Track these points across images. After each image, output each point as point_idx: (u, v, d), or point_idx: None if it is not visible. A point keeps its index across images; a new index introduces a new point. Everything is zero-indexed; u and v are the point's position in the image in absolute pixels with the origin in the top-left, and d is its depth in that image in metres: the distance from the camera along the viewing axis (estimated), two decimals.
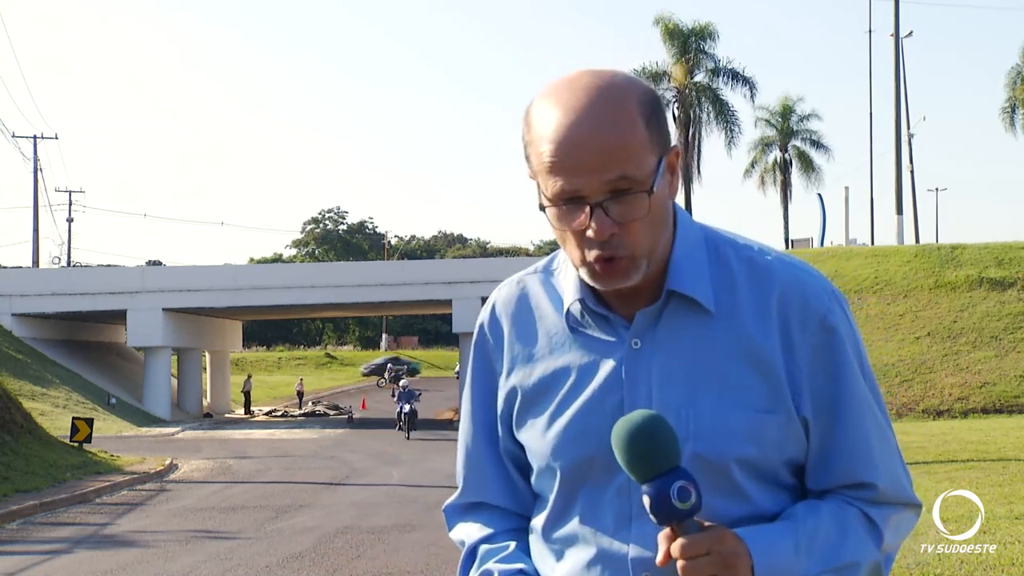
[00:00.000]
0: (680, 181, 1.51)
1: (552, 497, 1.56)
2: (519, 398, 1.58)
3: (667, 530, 1.38)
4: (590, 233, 1.41)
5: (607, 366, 1.49)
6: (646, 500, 1.36)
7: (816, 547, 1.42)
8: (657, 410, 1.42)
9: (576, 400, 1.51)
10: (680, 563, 1.35)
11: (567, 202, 1.41)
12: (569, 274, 1.55)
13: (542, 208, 1.47)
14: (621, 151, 1.39)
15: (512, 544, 1.61)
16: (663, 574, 1.43)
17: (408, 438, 27.80)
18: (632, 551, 1.47)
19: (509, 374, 1.60)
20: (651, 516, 1.37)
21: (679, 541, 1.35)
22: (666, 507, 1.34)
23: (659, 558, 1.38)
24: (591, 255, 1.43)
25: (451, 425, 39.03)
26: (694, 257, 1.50)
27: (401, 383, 30.37)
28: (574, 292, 1.52)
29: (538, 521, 1.60)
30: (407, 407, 28.96)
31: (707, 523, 1.38)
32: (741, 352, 1.45)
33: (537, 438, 1.56)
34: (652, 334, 1.48)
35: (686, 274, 1.48)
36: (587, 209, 1.40)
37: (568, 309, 1.54)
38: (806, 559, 1.41)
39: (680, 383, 1.45)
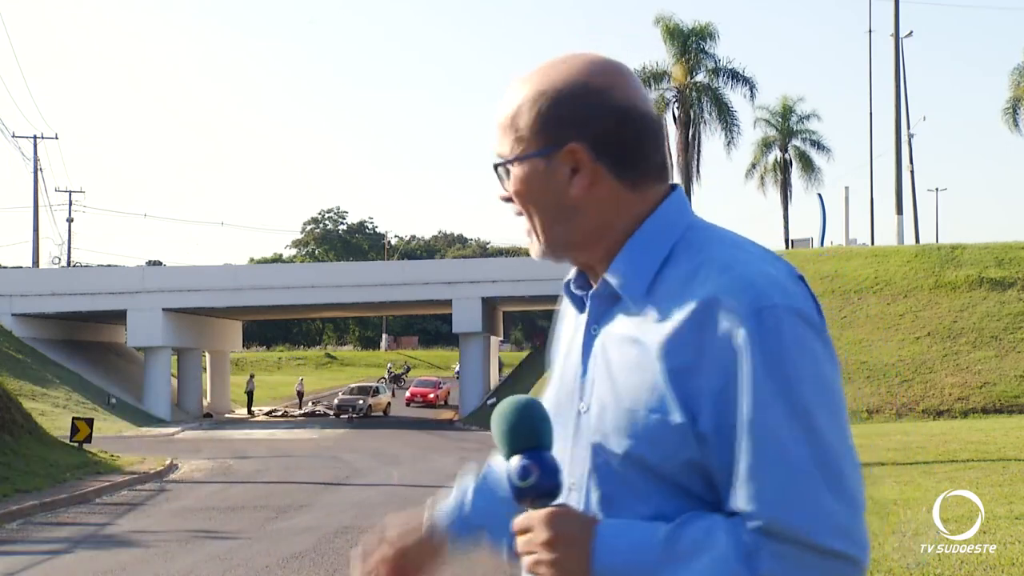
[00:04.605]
0: (591, 181, 1.47)
1: None
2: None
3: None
4: None
5: (578, 350, 1.55)
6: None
7: (672, 554, 1.36)
8: (595, 400, 1.47)
9: (554, 382, 1.60)
10: (517, 538, 1.42)
11: None
12: None
13: None
14: (500, 130, 1.52)
15: None
16: None
17: None
18: None
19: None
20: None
21: (518, 516, 1.41)
22: (511, 483, 1.40)
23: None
24: None
25: (451, 425, 39.02)
26: (647, 250, 1.47)
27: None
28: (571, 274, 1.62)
29: None
30: None
31: (562, 506, 1.40)
32: (656, 354, 1.41)
33: None
34: (606, 321, 1.51)
35: (625, 264, 1.48)
36: None
37: (563, 291, 1.63)
38: (660, 561, 1.36)
39: (608, 375, 1.47)
